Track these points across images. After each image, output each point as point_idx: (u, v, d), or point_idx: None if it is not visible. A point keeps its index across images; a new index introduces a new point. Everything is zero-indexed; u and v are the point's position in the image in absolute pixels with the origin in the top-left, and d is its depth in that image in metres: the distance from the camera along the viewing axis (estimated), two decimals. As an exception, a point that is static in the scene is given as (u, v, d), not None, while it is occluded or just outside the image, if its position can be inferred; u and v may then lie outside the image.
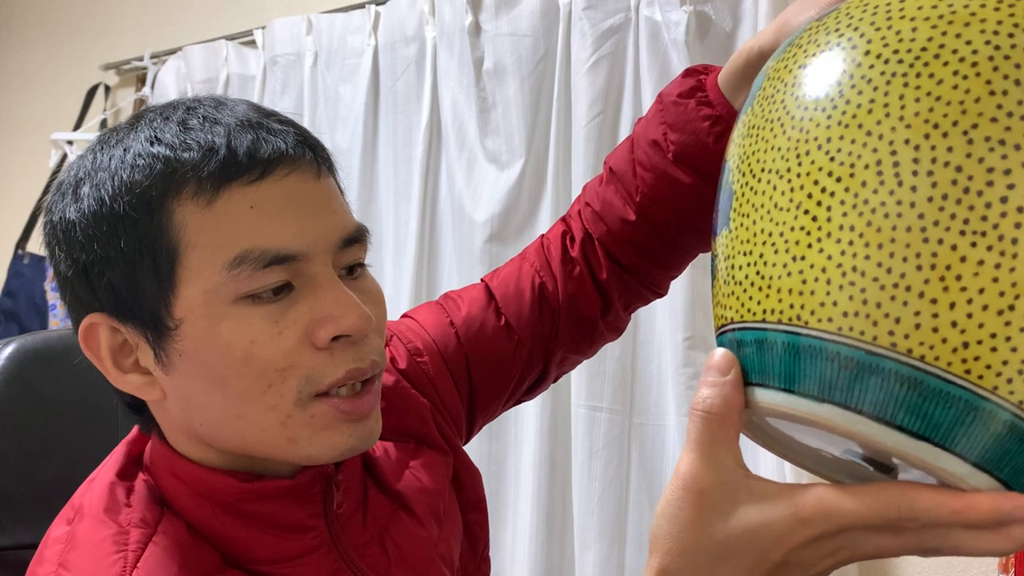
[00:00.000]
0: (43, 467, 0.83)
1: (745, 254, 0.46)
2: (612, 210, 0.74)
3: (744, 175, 0.47)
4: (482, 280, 0.80)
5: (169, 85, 2.33)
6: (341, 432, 0.56)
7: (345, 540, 0.62)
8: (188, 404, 0.57)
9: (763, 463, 1.51)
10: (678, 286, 1.59)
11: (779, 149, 0.44)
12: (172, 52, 2.36)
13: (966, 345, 0.38)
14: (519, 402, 0.83)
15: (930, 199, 0.39)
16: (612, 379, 1.64)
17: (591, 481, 1.61)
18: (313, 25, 2.08)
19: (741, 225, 0.46)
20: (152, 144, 0.54)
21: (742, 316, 0.45)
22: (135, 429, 0.64)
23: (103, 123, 2.53)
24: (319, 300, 0.55)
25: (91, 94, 2.56)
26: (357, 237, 0.58)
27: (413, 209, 1.88)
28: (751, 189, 0.46)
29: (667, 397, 1.60)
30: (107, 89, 2.57)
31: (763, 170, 0.45)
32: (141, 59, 2.44)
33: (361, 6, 2.03)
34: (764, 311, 0.44)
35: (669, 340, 1.60)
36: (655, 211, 0.72)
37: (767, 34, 0.61)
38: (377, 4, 2.00)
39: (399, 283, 1.87)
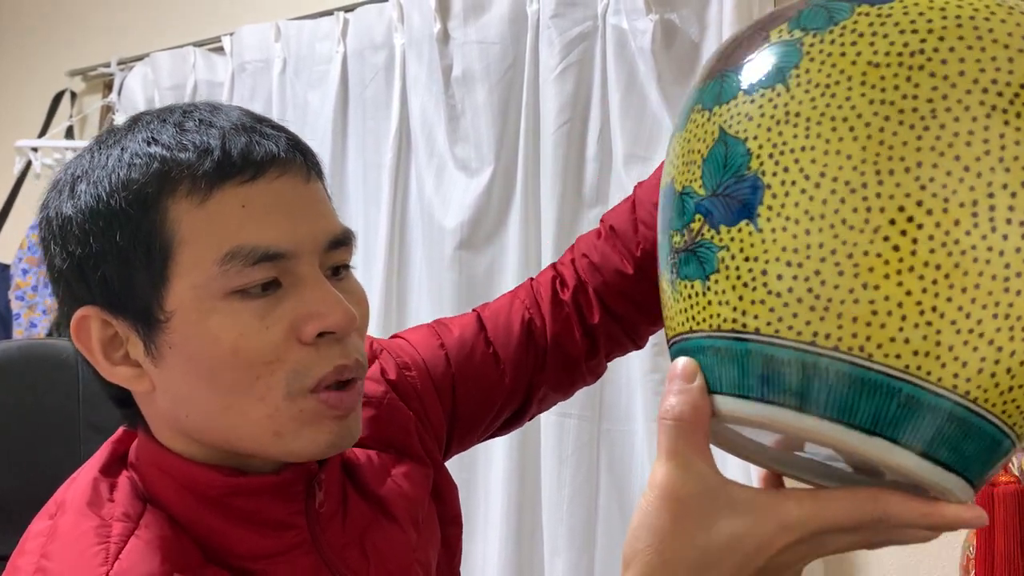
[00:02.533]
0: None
1: (789, 264, 0.42)
2: (610, 263, 0.78)
3: (786, 170, 0.42)
4: (474, 310, 0.82)
5: (136, 92, 2.31)
6: (324, 429, 0.57)
7: (325, 541, 0.62)
8: (176, 397, 0.58)
9: (731, 464, 1.52)
10: (646, 292, 1.60)
11: (850, 157, 0.41)
12: (139, 58, 2.34)
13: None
14: (494, 435, 0.84)
15: (1017, 249, 0.39)
16: (582, 384, 1.65)
17: (560, 487, 1.62)
18: (281, 32, 2.07)
19: (782, 229, 0.42)
20: (149, 144, 0.56)
21: (775, 330, 0.43)
22: (120, 429, 0.65)
23: (69, 130, 2.50)
24: (305, 298, 0.56)
25: (57, 100, 2.53)
26: (343, 240, 0.60)
27: (383, 216, 1.88)
28: (800, 190, 0.42)
29: (636, 403, 1.61)
30: (73, 95, 2.54)
31: (821, 174, 0.41)
32: (108, 65, 2.42)
33: (330, 13, 2.03)
34: (815, 333, 0.41)
35: (637, 346, 1.61)
36: (654, 265, 0.76)
37: None
38: (346, 11, 2.00)
39: (369, 289, 1.85)
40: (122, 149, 0.57)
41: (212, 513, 0.58)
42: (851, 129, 0.41)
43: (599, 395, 1.65)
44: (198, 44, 2.25)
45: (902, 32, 0.41)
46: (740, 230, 0.44)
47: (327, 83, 1.98)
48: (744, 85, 0.45)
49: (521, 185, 1.75)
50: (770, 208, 0.43)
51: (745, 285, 0.43)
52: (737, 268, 0.44)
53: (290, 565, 0.60)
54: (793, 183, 0.42)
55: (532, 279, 0.84)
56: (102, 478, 0.60)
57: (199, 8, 2.37)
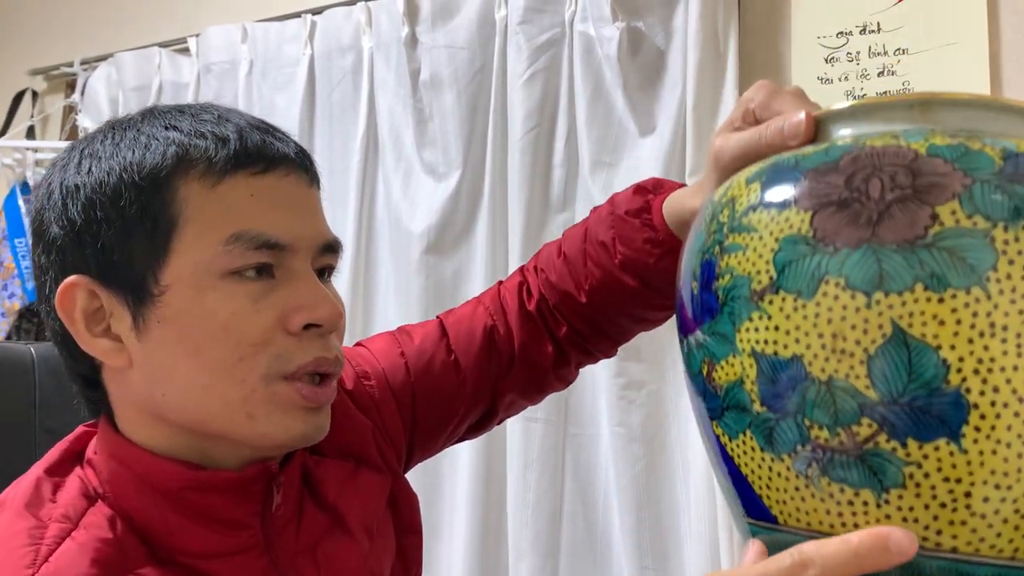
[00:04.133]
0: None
1: (998, 487, 0.39)
2: (565, 287, 0.78)
3: (996, 390, 0.38)
4: (438, 317, 0.83)
5: (99, 92, 2.28)
6: (296, 417, 0.59)
7: (279, 546, 0.62)
8: (155, 373, 0.58)
9: (693, 467, 1.54)
10: (612, 298, 1.61)
11: None
12: (103, 58, 2.31)
13: None
14: (460, 439, 0.84)
15: None
16: (547, 390, 1.65)
17: (526, 491, 1.62)
18: (248, 33, 2.06)
19: (991, 452, 0.39)
20: (167, 129, 0.59)
21: (975, 548, 0.40)
22: (79, 428, 0.65)
23: (30, 130, 2.47)
24: (296, 290, 0.59)
25: (17, 100, 2.50)
26: (334, 246, 0.64)
27: (349, 220, 1.87)
28: (1013, 413, 0.38)
29: (600, 407, 1.62)
30: (35, 95, 2.50)
31: None
32: (71, 65, 2.39)
33: (297, 15, 2.02)
34: (1016, 549, 0.39)
35: (603, 351, 1.62)
36: (603, 302, 0.75)
37: (708, 172, 0.59)
38: (313, 13, 2.00)
39: (334, 294, 1.86)
40: (138, 131, 0.60)
41: (168, 508, 0.58)
42: None
43: (564, 399, 1.65)
44: (163, 45, 2.23)
45: None
46: (938, 448, 0.39)
47: (294, 85, 1.97)
48: (923, 277, 0.39)
49: (488, 190, 1.75)
50: (977, 430, 0.39)
51: (943, 506, 0.40)
52: (932, 487, 0.39)
53: (241, 567, 0.60)
54: (1005, 405, 0.38)
55: (500, 283, 0.84)
56: (46, 478, 0.60)
57: (164, 8, 2.35)
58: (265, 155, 0.60)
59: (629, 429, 1.57)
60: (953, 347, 0.38)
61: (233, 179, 0.58)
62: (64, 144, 2.31)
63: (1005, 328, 0.38)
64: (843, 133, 0.46)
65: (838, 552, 0.39)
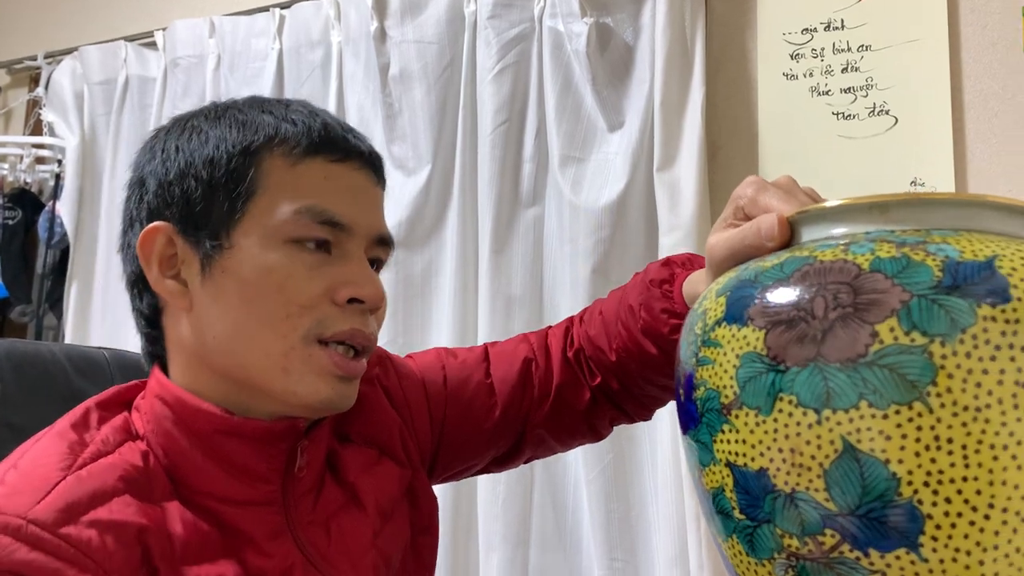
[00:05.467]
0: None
1: None
2: (599, 343, 0.82)
3: (948, 500, 0.39)
4: (484, 345, 0.88)
5: (64, 86, 2.26)
6: (326, 382, 0.65)
7: (295, 511, 0.67)
8: (210, 317, 0.65)
9: (660, 460, 1.55)
10: (580, 294, 1.62)
11: (1017, 487, 0.38)
12: (68, 52, 2.29)
13: None
14: (484, 470, 0.87)
15: None
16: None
17: (495, 484, 1.63)
18: (216, 27, 2.05)
19: (952, 559, 0.39)
20: (264, 113, 0.68)
21: None
22: (132, 381, 0.71)
23: (-7, 124, 2.43)
24: (347, 268, 0.66)
25: (-19, 94, 2.46)
26: (388, 241, 0.71)
27: (318, 215, 1.87)
28: (968, 522, 0.39)
29: (570, 401, 1.63)
30: (-2, 89, 2.47)
31: (990, 505, 0.39)
32: (35, 58, 2.36)
33: (265, 9, 2.01)
34: None
35: (572, 345, 1.63)
36: (628, 363, 0.79)
37: (706, 268, 0.59)
38: (282, 8, 1.99)
39: (304, 289, 1.85)
40: (239, 111, 0.69)
41: (198, 449, 0.64)
42: (1013, 458, 0.38)
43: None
44: (129, 38, 2.21)
45: None
46: (899, 558, 0.40)
47: (262, 80, 1.96)
48: (866, 394, 0.40)
49: (458, 185, 1.75)
50: (935, 539, 0.39)
51: None
52: None
53: (258, 520, 0.64)
54: (959, 514, 0.39)
55: (550, 327, 0.89)
56: (95, 409, 0.66)
57: (130, 2, 2.33)
58: (342, 147, 0.67)
59: (598, 422, 1.58)
60: (901, 461, 0.39)
61: (312, 161, 0.66)
62: (29, 139, 2.28)
63: (950, 440, 0.38)
64: (811, 237, 0.47)
65: None
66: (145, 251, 0.66)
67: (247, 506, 0.64)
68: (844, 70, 1.53)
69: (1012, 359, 0.38)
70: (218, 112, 0.69)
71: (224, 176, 0.66)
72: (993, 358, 0.38)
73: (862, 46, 1.52)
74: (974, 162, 1.43)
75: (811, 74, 1.56)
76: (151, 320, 0.69)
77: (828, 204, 0.46)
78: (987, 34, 1.44)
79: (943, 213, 0.43)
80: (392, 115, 1.83)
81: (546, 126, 1.69)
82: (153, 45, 2.17)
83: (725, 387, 0.44)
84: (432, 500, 0.80)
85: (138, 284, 0.69)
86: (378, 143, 1.83)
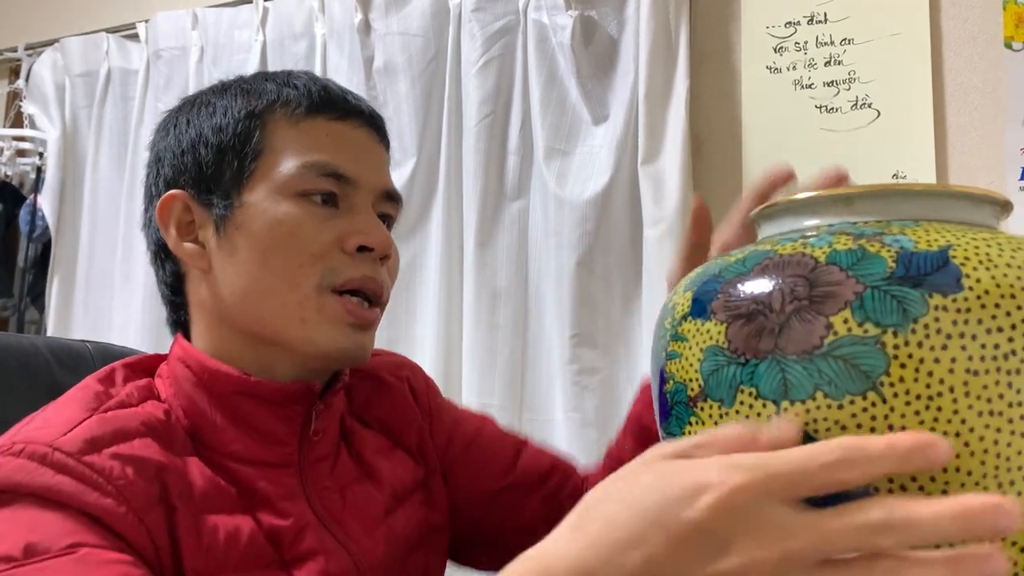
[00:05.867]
0: None
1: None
2: None
3: (903, 488, 0.39)
4: (524, 438, 0.87)
5: (45, 78, 2.24)
6: (343, 331, 0.67)
7: (310, 476, 0.68)
8: (227, 275, 0.68)
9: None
10: (565, 286, 1.62)
11: (970, 473, 0.38)
12: (49, 43, 2.27)
13: None
14: (457, 558, 0.85)
15: None
16: (502, 376, 1.66)
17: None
18: (199, 19, 2.03)
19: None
20: (267, 81, 0.72)
21: None
22: (138, 356, 0.74)
23: (-27, 116, 2.41)
24: (355, 219, 0.68)
25: (-40, 86, 2.44)
26: (395, 196, 0.74)
27: (303, 208, 1.86)
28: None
29: (555, 393, 1.63)
30: (-22, 81, 2.45)
31: (943, 491, 0.39)
32: (15, 50, 2.34)
33: (248, 1, 2.00)
34: None
35: (557, 338, 1.63)
36: None
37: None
38: (265, 0, 1.98)
39: (288, 283, 1.85)
40: (243, 81, 0.73)
41: (217, 409, 0.66)
42: (966, 444, 0.39)
43: (520, 385, 1.66)
44: (111, 30, 2.19)
45: (989, 332, 0.38)
46: None
47: (246, 72, 1.95)
48: (822, 385, 0.40)
49: (443, 177, 1.75)
50: None
51: None
52: None
53: (274, 481, 0.66)
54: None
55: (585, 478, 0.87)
56: (122, 369, 0.69)
57: (112, -7, 2.31)
58: (342, 106, 0.71)
59: (583, 414, 1.59)
60: None
61: (314, 120, 0.69)
62: (10, 132, 2.26)
63: (904, 428, 0.39)
64: (779, 230, 0.48)
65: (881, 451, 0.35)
66: (164, 218, 0.70)
67: (264, 467, 0.66)
68: (827, 63, 1.54)
69: (963, 348, 0.38)
70: (225, 86, 0.74)
71: (232, 139, 0.69)
72: (944, 347, 0.38)
73: (845, 39, 1.53)
74: (955, 155, 1.45)
75: (794, 67, 1.56)
76: (174, 288, 0.73)
77: (794, 198, 0.47)
78: (968, 28, 1.45)
79: (906, 204, 0.44)
80: (377, 107, 1.82)
81: (531, 119, 1.69)
82: (135, 37, 2.15)
83: (691, 380, 0.45)
84: (446, 502, 0.80)
85: (160, 254, 0.73)
86: (362, 136, 1.83)
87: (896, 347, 0.39)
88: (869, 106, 1.50)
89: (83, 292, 2.14)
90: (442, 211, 1.75)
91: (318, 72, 1.87)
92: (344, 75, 1.85)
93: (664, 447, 0.39)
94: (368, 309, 0.69)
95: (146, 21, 2.11)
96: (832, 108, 1.53)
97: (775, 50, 1.58)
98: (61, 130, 2.21)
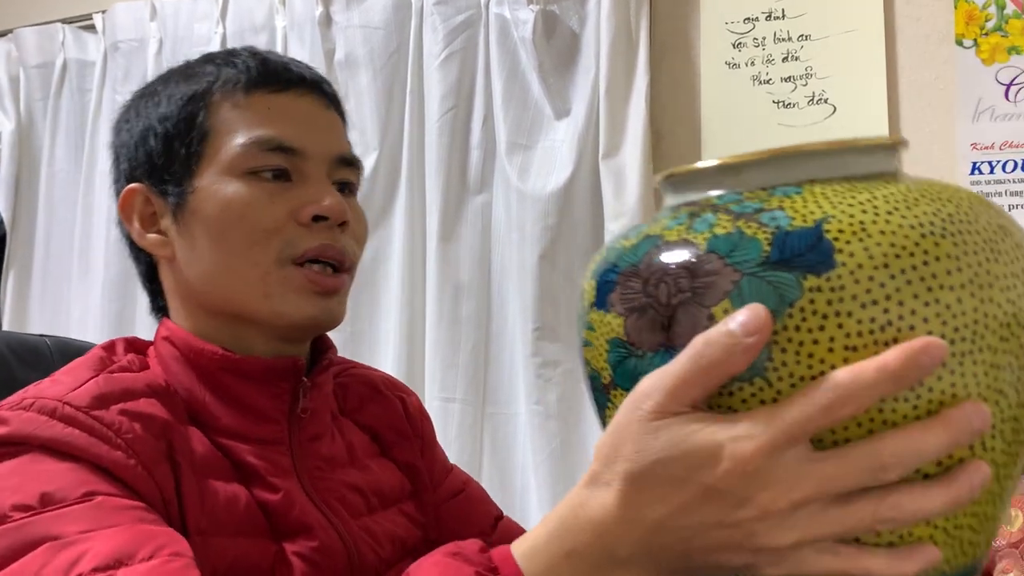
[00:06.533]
0: None
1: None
2: None
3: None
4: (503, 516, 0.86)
5: (-1, 69, 2.20)
6: (308, 300, 0.67)
7: (301, 457, 0.69)
8: (190, 259, 0.69)
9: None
10: (527, 280, 1.63)
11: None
12: (3, 35, 2.23)
13: None
14: None
15: None
16: (465, 371, 1.67)
17: (444, 471, 1.64)
18: (157, 11, 2.01)
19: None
20: (207, 63, 0.72)
21: None
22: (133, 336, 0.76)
23: (-76, 108, 2.36)
24: (308, 189, 0.68)
25: (-90, 77, 2.38)
26: (351, 161, 0.73)
27: (264, 202, 1.85)
28: None
29: (518, 386, 1.64)
30: (-71, 72, 2.39)
31: None
32: (-33, 41, 2.29)
33: (208, -7, 1.98)
34: None
35: (520, 331, 1.64)
36: None
37: None
38: (225, -9, 1.96)
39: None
40: (187, 67, 0.73)
41: (206, 387, 0.67)
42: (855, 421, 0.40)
43: (483, 379, 1.67)
44: (67, 21, 2.16)
45: (864, 306, 0.38)
46: None
47: (206, 65, 1.94)
48: None
49: (406, 171, 1.75)
50: None
51: None
52: None
53: (265, 458, 0.67)
54: None
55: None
56: (122, 343, 0.71)
57: (68, -17, 2.27)
58: (283, 77, 0.70)
59: (546, 407, 1.60)
60: None
61: (255, 96, 0.69)
62: (-38, 123, 2.21)
63: None
64: (674, 202, 0.47)
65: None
66: (126, 213, 0.72)
67: (255, 443, 0.67)
68: (785, 59, 1.56)
69: (840, 326, 0.38)
70: (169, 73, 0.74)
71: (177, 126, 0.69)
72: (822, 327, 0.39)
73: (802, 35, 1.55)
74: (908, 150, 1.47)
75: (753, 63, 1.58)
76: (150, 276, 0.74)
77: (687, 168, 0.46)
78: (921, 25, 1.48)
79: (794, 168, 0.43)
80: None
81: (493, 113, 1.69)
82: (92, 28, 2.12)
83: (603, 369, 0.46)
84: (438, 520, 0.80)
85: (134, 247, 0.74)
86: (324, 129, 1.82)
87: (775, 332, 0.39)
88: (825, 101, 1.53)
89: (40, 286, 2.11)
90: (404, 205, 1.75)
91: (279, 65, 1.86)
92: (305, 68, 1.84)
93: (640, 405, 0.40)
94: (333, 276, 0.69)
95: (103, 12, 2.08)
96: (789, 103, 1.55)
97: (734, 46, 1.60)
98: (16, 123, 2.17)
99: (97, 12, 2.10)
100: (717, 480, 0.38)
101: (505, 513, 0.88)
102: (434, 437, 0.85)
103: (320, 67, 1.81)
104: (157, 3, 2.01)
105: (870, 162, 0.45)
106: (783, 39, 1.56)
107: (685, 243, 0.42)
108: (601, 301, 0.45)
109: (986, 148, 1.42)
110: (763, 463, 0.38)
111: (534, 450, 1.60)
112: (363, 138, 1.78)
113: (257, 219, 0.67)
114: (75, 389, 0.61)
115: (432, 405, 1.64)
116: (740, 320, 0.38)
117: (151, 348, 0.72)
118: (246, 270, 0.67)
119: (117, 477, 0.58)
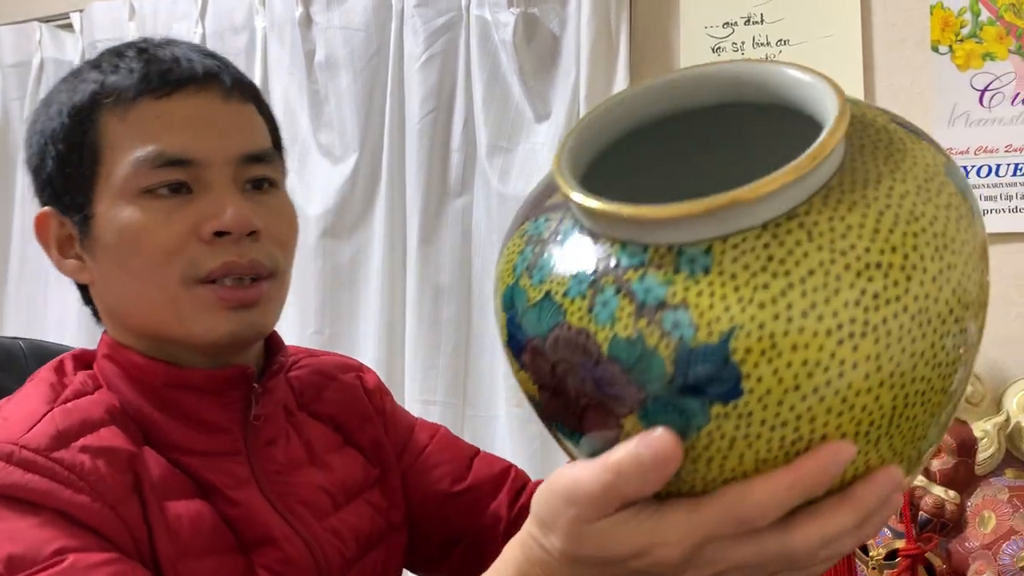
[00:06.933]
0: None
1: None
2: None
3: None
4: (477, 451, 0.85)
5: (-26, 68, 2.17)
6: (222, 317, 0.64)
7: (259, 464, 0.67)
8: (105, 284, 0.67)
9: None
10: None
11: None
12: (-22, 33, 2.20)
13: None
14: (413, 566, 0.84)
15: None
16: (445, 373, 1.67)
17: (424, 473, 1.63)
18: (136, 10, 1.99)
19: None
20: (93, 70, 0.66)
21: None
22: (80, 349, 0.72)
23: (-102, 107, 2.33)
24: (209, 202, 0.63)
25: None
26: (261, 156, 0.67)
27: (243, 203, 1.84)
28: None
29: (498, 389, 1.64)
30: (-97, 70, 2.36)
31: None
32: (-58, 39, 2.26)
33: (187, -8, 1.97)
34: None
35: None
36: None
37: None
38: (205, -9, 1.95)
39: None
40: (76, 74, 0.68)
41: (154, 404, 0.64)
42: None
43: (463, 382, 1.67)
44: (44, 20, 2.14)
45: (773, 428, 0.37)
46: None
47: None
48: None
49: (386, 173, 1.75)
50: None
51: None
52: None
53: (223, 470, 0.65)
54: None
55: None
56: (70, 360, 0.68)
57: (45, -18, 2.25)
58: (168, 79, 0.64)
59: (525, 409, 1.60)
60: None
61: (142, 104, 0.64)
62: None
63: None
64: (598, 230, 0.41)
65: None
66: (43, 238, 0.68)
67: (211, 456, 0.65)
68: (763, 64, 1.57)
69: (749, 445, 0.37)
70: (65, 77, 0.69)
71: (67, 146, 0.65)
72: (731, 447, 0.37)
73: (780, 40, 1.56)
74: (885, 155, 1.49)
75: (732, 67, 1.59)
76: (86, 298, 0.71)
77: (603, 207, 0.39)
78: (897, 31, 1.49)
79: (699, 226, 0.38)
80: (318, 102, 1.81)
81: (474, 115, 1.69)
82: (70, 27, 2.10)
83: (533, 398, 0.44)
84: (403, 502, 0.79)
85: None
86: (304, 130, 1.81)
87: (686, 448, 0.38)
88: (803, 106, 1.54)
89: (15, 288, 2.09)
90: (384, 207, 1.75)
91: (257, 67, 1.85)
92: (285, 68, 1.83)
93: (564, 511, 0.40)
94: (248, 287, 0.64)
95: (81, 11, 2.07)
96: (768, 108, 1.56)
97: (713, 50, 1.61)
98: (-9, 122, 2.15)
99: (75, 11, 2.08)
100: (647, 567, 0.40)
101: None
102: (395, 406, 0.84)
103: (300, 68, 1.81)
104: (136, 2, 2.00)
105: (794, 195, 0.38)
106: (762, 44, 1.57)
107: (587, 339, 0.39)
108: (513, 348, 0.42)
109: (961, 153, 1.43)
110: (687, 559, 0.39)
111: (514, 452, 1.60)
112: (343, 139, 1.78)
113: (155, 242, 0.63)
114: (31, 428, 0.58)
115: (412, 407, 1.63)
116: (650, 451, 0.37)
117: (95, 364, 0.69)
118: (154, 294, 0.64)
119: (84, 524, 0.56)
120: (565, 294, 0.40)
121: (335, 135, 1.80)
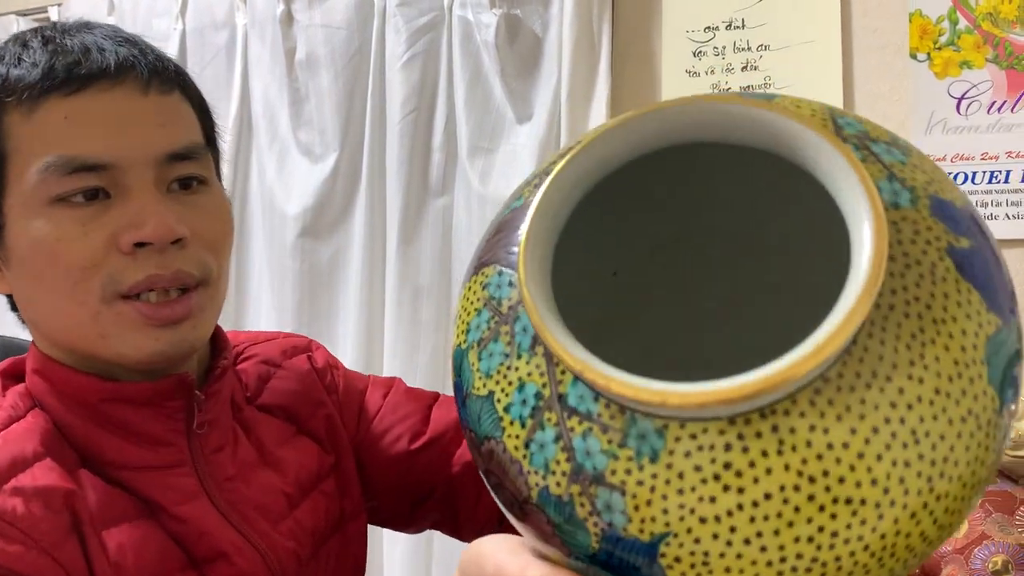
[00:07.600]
0: None
1: None
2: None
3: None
4: (440, 397, 0.81)
5: (-50, 61, 2.15)
6: (148, 335, 0.58)
7: (208, 473, 0.63)
8: (22, 298, 0.62)
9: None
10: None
11: None
12: (-46, 25, 2.18)
13: None
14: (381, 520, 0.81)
15: None
16: (425, 374, 1.66)
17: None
18: (115, 5, 1.98)
19: None
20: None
21: None
22: (8, 360, 0.66)
23: None
24: (128, 208, 0.57)
25: None
26: (187, 154, 0.60)
27: (222, 201, 1.83)
28: None
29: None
30: None
31: None
32: (-83, 31, 2.23)
33: (167, -12, 1.95)
34: None
35: (479, 334, 1.63)
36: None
37: None
38: (185, -13, 1.93)
39: (206, 277, 1.81)
40: None
41: (90, 421, 0.59)
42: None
43: (442, 383, 1.66)
44: (21, 13, 2.11)
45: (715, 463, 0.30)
46: None
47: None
48: None
49: (366, 172, 1.74)
50: None
51: None
52: None
53: (168, 485, 0.60)
54: None
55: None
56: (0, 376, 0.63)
57: (23, -25, 2.23)
58: (77, 74, 0.57)
59: (504, 411, 1.59)
60: None
61: (49, 102, 0.56)
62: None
63: None
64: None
65: None
66: None
67: (155, 471, 0.60)
68: (744, 68, 1.58)
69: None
70: None
71: None
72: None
73: (761, 45, 1.57)
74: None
75: (712, 71, 1.60)
76: (12, 302, 0.65)
77: (571, 361, 0.31)
78: (876, 38, 1.50)
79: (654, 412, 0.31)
80: (298, 101, 1.80)
81: (455, 116, 1.69)
82: (47, 21, 2.08)
83: None
84: (357, 488, 0.76)
85: None
86: (283, 129, 1.80)
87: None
88: (783, 111, 1.54)
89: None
90: (364, 207, 1.74)
91: (238, 64, 1.84)
92: (266, 67, 1.82)
93: None
94: (175, 301, 0.58)
95: (59, 5, 2.05)
96: (748, 112, 1.57)
97: (694, 54, 1.61)
98: (-34, 116, 2.13)
99: (53, 5, 2.06)
100: None
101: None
102: (347, 378, 0.79)
103: (280, 66, 1.80)
104: (115, -3, 1.98)
105: (779, 394, 0.30)
106: (743, 48, 1.58)
107: (519, 474, 0.34)
108: (459, 414, 0.38)
109: (938, 160, 1.44)
110: None
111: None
112: (323, 139, 1.77)
113: (71, 256, 0.56)
114: None
115: (389, 408, 1.63)
116: None
117: (27, 375, 0.63)
118: (73, 311, 0.58)
119: (19, 575, 0.52)
120: (507, 409, 0.34)
121: (315, 134, 1.79)
